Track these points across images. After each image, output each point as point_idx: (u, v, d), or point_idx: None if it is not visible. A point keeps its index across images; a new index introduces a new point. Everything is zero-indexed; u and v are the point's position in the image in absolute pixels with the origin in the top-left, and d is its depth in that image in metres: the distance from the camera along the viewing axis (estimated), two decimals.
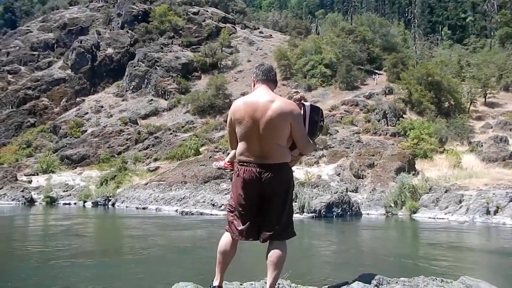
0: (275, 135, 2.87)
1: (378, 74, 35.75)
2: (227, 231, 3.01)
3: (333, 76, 34.50)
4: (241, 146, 2.96)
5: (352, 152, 21.64)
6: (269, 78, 3.07)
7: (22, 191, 22.19)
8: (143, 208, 18.48)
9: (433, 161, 20.48)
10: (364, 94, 31.35)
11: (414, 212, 14.76)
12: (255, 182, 2.87)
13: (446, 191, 15.16)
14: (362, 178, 18.66)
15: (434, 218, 14.11)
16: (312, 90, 33.56)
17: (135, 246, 10.22)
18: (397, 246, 10.66)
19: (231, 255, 2.98)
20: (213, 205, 16.67)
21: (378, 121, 26.76)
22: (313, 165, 20.93)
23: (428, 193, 15.46)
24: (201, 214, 16.22)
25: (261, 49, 44.11)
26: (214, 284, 2.93)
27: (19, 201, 21.16)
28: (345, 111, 29.24)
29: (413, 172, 17.96)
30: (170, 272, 7.23)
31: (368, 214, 15.52)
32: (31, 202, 21.29)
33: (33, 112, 37.01)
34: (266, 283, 2.97)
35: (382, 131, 25.17)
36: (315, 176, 18.82)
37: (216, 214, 15.70)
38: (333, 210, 14.95)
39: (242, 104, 2.98)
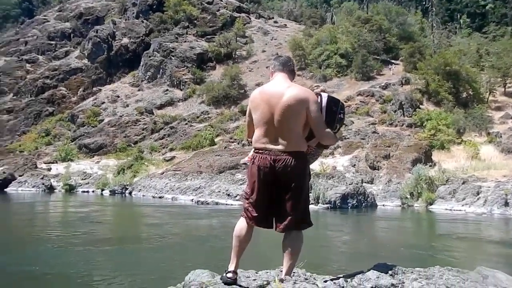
0: (291, 122, 2.85)
1: (395, 64, 35.20)
2: (242, 216, 3.05)
3: (348, 66, 34.09)
4: (257, 132, 2.96)
5: (367, 143, 21.49)
6: (286, 68, 3.07)
7: (42, 178, 22.72)
8: (160, 197, 18.75)
9: (451, 152, 20.24)
10: (380, 85, 30.96)
11: (431, 204, 14.65)
12: (270, 170, 2.86)
13: (463, 183, 14.99)
14: (378, 170, 18.55)
15: (451, 209, 14.00)
16: (327, 80, 33.26)
17: (152, 233, 10.41)
18: (413, 237, 10.63)
19: (247, 240, 2.99)
20: (228, 195, 16.79)
21: (394, 112, 26.48)
22: (328, 156, 20.86)
23: (445, 184, 15.31)
24: (217, 204, 16.37)
25: (275, 39, 43.81)
26: (229, 269, 2.95)
27: (39, 188, 21.71)
28: (360, 101, 28.93)
29: (430, 163, 17.78)
30: (186, 259, 7.37)
31: (383, 205, 15.47)
32: (50, 189, 21.84)
33: (51, 101, 37.61)
34: (281, 271, 2.99)
35: (398, 122, 24.91)
36: (330, 167, 18.80)
37: (231, 204, 15.83)
38: (348, 201, 14.93)
39: (259, 93, 3.00)
